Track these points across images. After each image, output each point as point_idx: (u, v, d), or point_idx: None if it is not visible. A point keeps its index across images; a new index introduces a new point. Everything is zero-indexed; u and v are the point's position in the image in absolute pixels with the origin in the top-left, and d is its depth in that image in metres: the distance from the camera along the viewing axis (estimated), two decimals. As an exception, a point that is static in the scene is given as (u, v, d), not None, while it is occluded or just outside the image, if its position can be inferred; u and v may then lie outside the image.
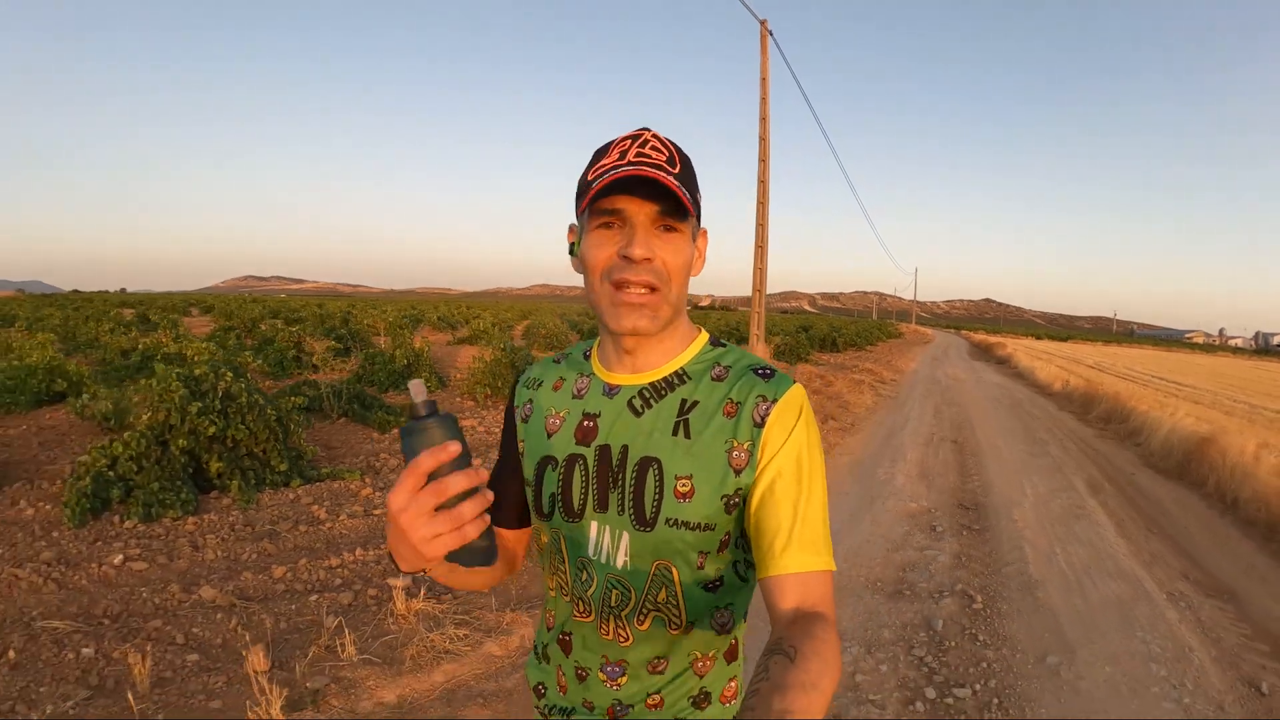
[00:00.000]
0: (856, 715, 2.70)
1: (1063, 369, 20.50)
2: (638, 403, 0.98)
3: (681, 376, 0.99)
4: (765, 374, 0.96)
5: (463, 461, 0.74)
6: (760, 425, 0.92)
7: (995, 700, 2.87)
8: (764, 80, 14.74)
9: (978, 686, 2.97)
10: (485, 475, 0.77)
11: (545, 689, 1.07)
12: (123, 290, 71.68)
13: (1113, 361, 35.52)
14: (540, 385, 1.09)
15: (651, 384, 0.99)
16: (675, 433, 0.95)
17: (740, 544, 0.97)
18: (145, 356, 10.74)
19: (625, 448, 0.96)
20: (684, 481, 0.93)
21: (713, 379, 0.97)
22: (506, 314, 37.29)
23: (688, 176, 0.94)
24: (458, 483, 0.73)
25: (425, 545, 0.73)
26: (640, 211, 0.90)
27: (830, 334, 24.86)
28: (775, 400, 0.93)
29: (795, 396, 0.94)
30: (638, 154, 0.91)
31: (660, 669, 0.98)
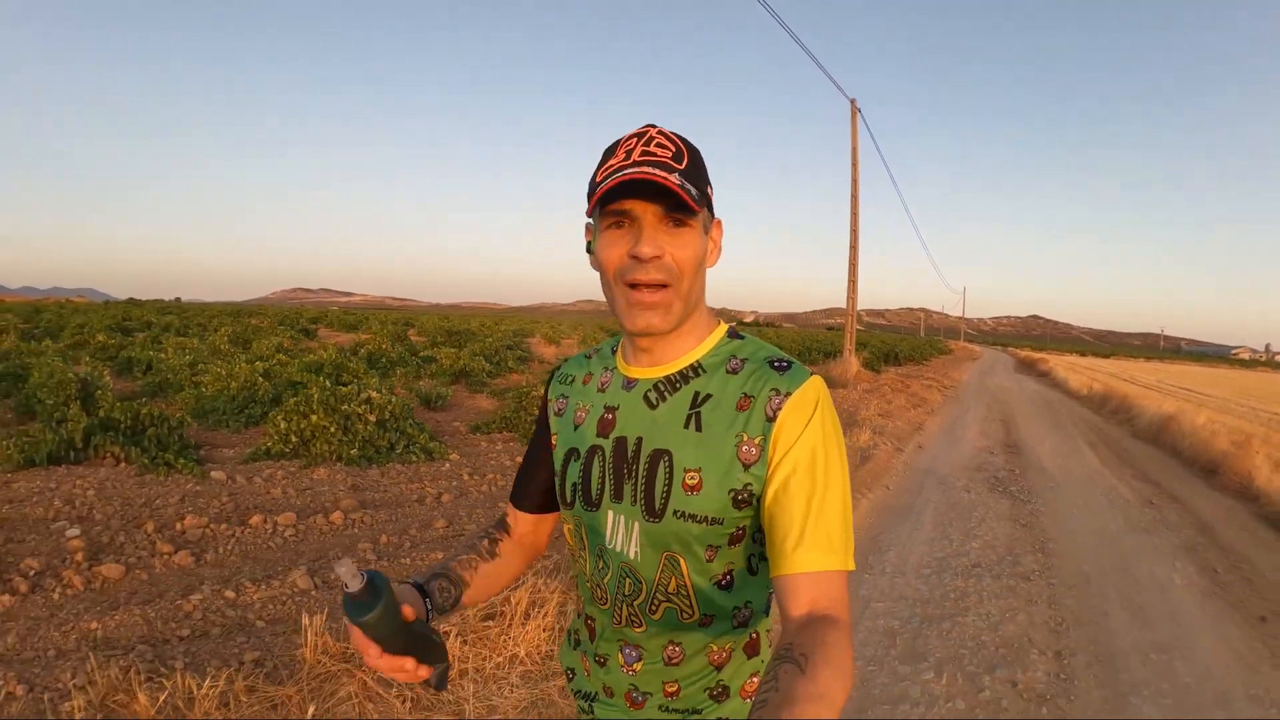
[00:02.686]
0: (968, 495, 6.94)
1: (1091, 378, 24.39)
2: (653, 396, 1.00)
3: (697, 369, 1.00)
4: (781, 366, 0.96)
5: (395, 633, 0.84)
6: (772, 420, 0.92)
7: (1027, 492, 7.09)
8: (854, 150, 18.94)
9: (1018, 488, 7.21)
10: (407, 664, 0.87)
11: (574, 673, 1.13)
12: (177, 299, 74.19)
13: (1148, 375, 38.84)
14: (573, 381, 1.13)
15: (667, 377, 1.00)
16: (687, 425, 0.96)
17: (756, 538, 0.98)
18: (372, 357, 14.74)
19: (640, 440, 0.99)
20: (692, 474, 0.94)
21: (728, 371, 0.98)
22: (588, 328, 41.81)
23: (694, 170, 0.94)
24: (384, 667, 0.85)
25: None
26: (647, 210, 0.91)
27: (892, 350, 29.00)
28: (789, 394, 0.93)
29: (811, 389, 0.94)
30: (643, 153, 0.92)
31: (675, 659, 1.00)
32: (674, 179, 0.89)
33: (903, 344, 38.71)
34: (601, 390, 1.07)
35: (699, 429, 0.95)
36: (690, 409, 0.97)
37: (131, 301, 57.15)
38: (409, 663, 0.86)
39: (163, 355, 12.87)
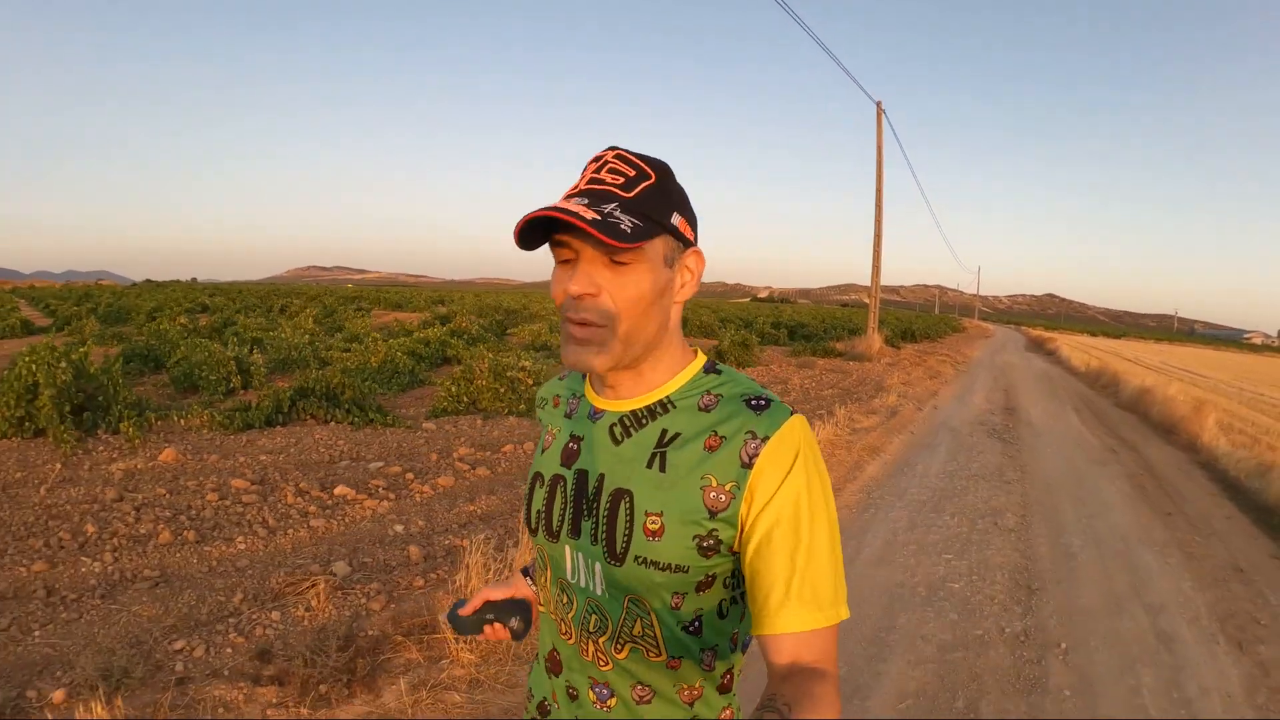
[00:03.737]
0: (971, 439, 9.27)
1: (1092, 357, 26.58)
2: (618, 430, 0.96)
3: (666, 405, 0.95)
4: (759, 405, 0.90)
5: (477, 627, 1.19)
6: (748, 466, 0.86)
7: (1017, 439, 9.42)
8: (879, 150, 20.96)
9: (1010, 436, 9.55)
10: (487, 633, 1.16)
11: (546, 704, 1.08)
12: (193, 280, 75.72)
13: (1153, 357, 40.87)
14: (546, 405, 1.11)
15: (633, 412, 0.96)
16: (650, 465, 0.91)
17: (728, 584, 0.93)
18: (454, 332, 16.86)
19: (601, 476, 0.95)
20: (654, 519, 0.89)
21: (700, 409, 0.93)
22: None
23: (650, 199, 0.88)
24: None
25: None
26: (584, 245, 0.87)
27: (909, 328, 31.27)
28: (767, 437, 0.87)
29: (791, 432, 0.88)
30: (590, 179, 0.89)
31: (646, 698, 0.96)
32: (591, 214, 0.83)
33: (918, 321, 40.94)
34: (569, 417, 1.04)
35: (663, 469, 0.90)
36: (655, 448, 0.92)
37: (149, 283, 58.11)
38: (488, 630, 1.16)
39: (283, 335, 14.52)
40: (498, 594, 1.16)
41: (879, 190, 21.03)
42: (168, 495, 5.05)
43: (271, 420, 7.43)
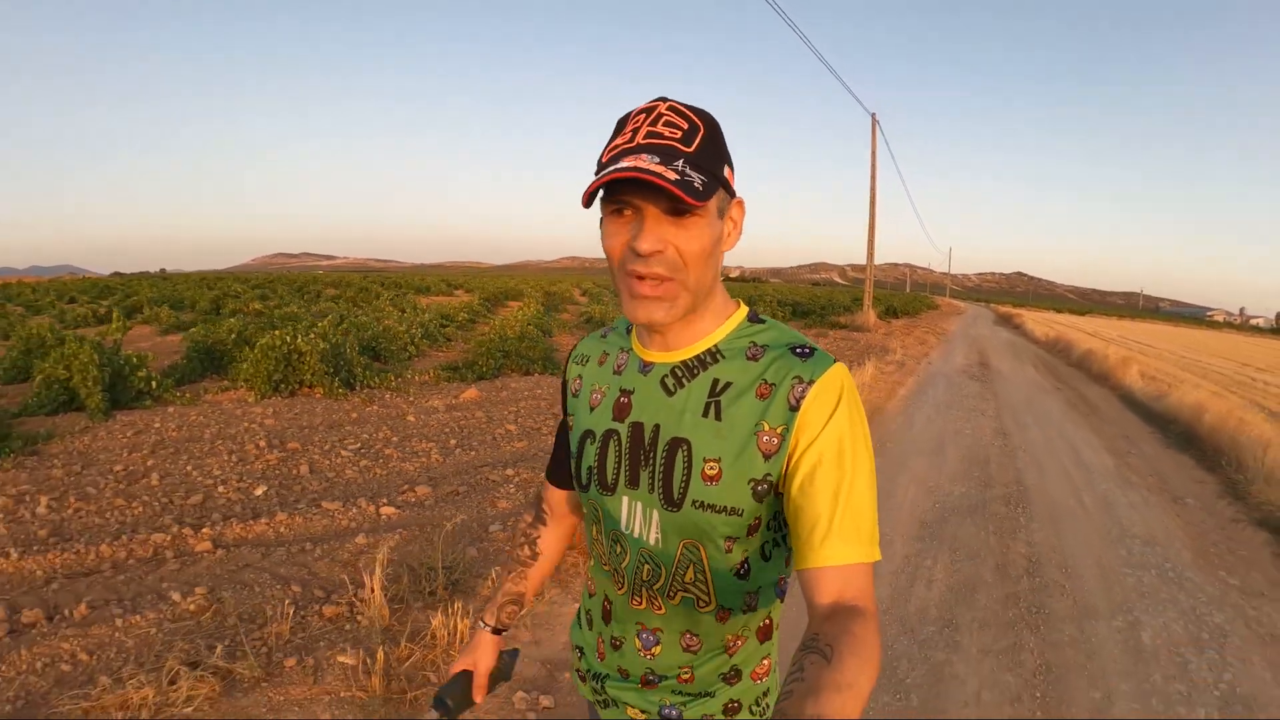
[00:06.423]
0: (959, 380, 12.98)
1: (1053, 329, 30.63)
2: (670, 381, 0.99)
3: (715, 355, 0.98)
4: (804, 353, 0.94)
5: (470, 704, 1.18)
6: (795, 408, 0.90)
7: (990, 381, 13.15)
8: (873, 157, 24.07)
9: (985, 379, 13.28)
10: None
11: (584, 651, 1.16)
12: (162, 271, 75.87)
13: (1111, 331, 44.95)
14: (588, 361, 1.13)
15: (684, 362, 0.98)
16: (706, 414, 0.95)
17: (771, 526, 0.98)
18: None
19: (657, 427, 0.98)
20: (712, 464, 0.93)
21: (747, 358, 0.96)
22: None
23: (706, 151, 0.90)
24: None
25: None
26: (649, 202, 0.88)
27: (891, 306, 35.21)
28: (812, 381, 0.91)
29: (835, 376, 0.92)
30: (648, 134, 0.89)
31: (693, 647, 1.02)
32: (671, 174, 0.84)
33: (895, 299, 44.99)
34: (617, 372, 1.06)
35: (718, 418, 0.94)
36: (709, 397, 0.96)
37: (116, 275, 57.06)
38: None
39: (410, 315, 16.71)
40: (480, 666, 1.22)
41: (873, 191, 24.31)
42: (515, 415, 7.30)
43: (493, 374, 9.76)
